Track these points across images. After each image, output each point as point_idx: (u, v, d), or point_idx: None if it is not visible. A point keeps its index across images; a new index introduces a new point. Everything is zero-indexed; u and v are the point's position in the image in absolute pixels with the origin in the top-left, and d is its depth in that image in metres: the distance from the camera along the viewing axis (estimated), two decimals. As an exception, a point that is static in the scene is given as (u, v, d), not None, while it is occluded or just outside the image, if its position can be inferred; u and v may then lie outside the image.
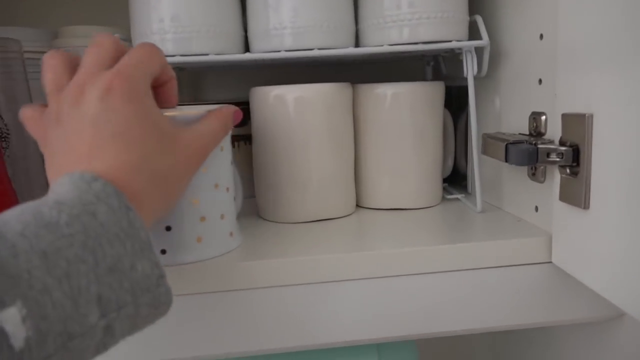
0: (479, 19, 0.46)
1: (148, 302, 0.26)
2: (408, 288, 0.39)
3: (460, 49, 0.46)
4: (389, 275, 0.39)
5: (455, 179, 0.58)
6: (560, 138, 0.36)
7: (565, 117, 0.35)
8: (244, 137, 0.57)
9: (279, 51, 0.45)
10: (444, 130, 0.52)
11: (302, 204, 0.47)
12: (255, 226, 0.47)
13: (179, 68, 0.59)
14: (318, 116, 0.46)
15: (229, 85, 0.70)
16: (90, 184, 0.26)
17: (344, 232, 0.44)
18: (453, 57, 0.51)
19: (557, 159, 0.35)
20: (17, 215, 0.24)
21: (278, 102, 0.45)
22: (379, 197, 0.51)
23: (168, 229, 0.36)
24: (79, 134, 0.29)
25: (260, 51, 0.46)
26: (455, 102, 0.56)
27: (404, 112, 0.48)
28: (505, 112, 0.47)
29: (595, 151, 0.32)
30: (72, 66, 0.32)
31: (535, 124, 0.41)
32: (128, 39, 0.47)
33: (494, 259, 0.39)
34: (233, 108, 0.37)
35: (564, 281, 0.39)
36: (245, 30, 0.48)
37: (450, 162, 0.55)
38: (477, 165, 0.47)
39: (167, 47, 0.44)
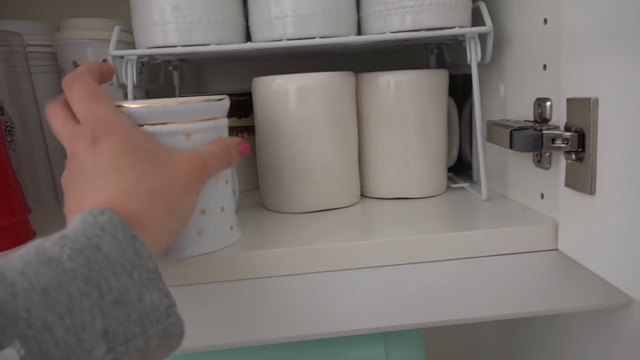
0: (482, 5, 0.45)
1: (158, 333, 0.26)
2: (413, 276, 0.39)
3: (463, 35, 0.45)
4: (394, 264, 0.39)
5: (460, 168, 0.58)
6: (566, 123, 0.35)
7: (571, 102, 0.34)
8: (247, 128, 0.57)
9: (280, 40, 0.44)
10: (449, 119, 0.52)
11: (306, 194, 0.47)
12: (260, 217, 0.47)
13: (182, 59, 0.59)
14: (321, 105, 0.45)
15: (231, 76, 0.69)
16: (96, 217, 0.26)
17: (348, 222, 0.44)
18: (456, 45, 0.50)
19: (563, 145, 0.35)
20: (20, 253, 0.24)
21: (280, 91, 0.45)
22: (383, 187, 0.50)
23: None
24: (81, 188, 0.30)
25: (262, 40, 0.45)
26: (460, 90, 0.56)
27: (407, 101, 0.48)
28: (509, 98, 0.46)
29: (600, 136, 0.32)
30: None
31: (540, 110, 0.40)
32: (129, 31, 0.47)
33: (500, 246, 0.39)
34: (238, 139, 0.38)
35: (570, 268, 0.39)
36: (247, 19, 0.47)
37: (454, 151, 0.55)
38: (482, 153, 0.46)
39: (169, 38, 0.44)
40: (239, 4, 0.46)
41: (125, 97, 0.46)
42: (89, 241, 0.25)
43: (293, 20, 0.44)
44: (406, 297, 0.39)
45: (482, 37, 0.45)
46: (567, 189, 0.36)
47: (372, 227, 0.43)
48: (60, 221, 0.50)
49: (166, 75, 0.60)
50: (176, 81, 0.61)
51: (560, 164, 0.37)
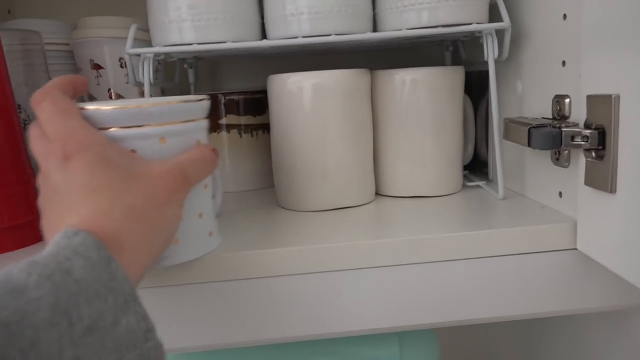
0: (499, 1, 0.45)
1: (136, 359, 0.25)
2: (429, 276, 0.38)
3: (480, 31, 0.45)
4: (409, 263, 0.38)
5: (476, 166, 0.57)
6: (585, 121, 0.35)
7: (591, 99, 0.34)
8: (261, 125, 0.57)
9: (296, 37, 0.44)
10: (464, 116, 0.51)
11: (320, 193, 0.46)
12: (275, 215, 0.47)
13: (197, 57, 0.59)
14: (336, 103, 0.45)
15: (246, 73, 0.70)
16: (70, 239, 0.25)
17: (363, 220, 0.44)
18: (473, 41, 0.50)
19: (582, 143, 0.34)
20: None
21: (295, 89, 0.45)
22: (398, 185, 0.50)
23: None
24: (55, 210, 0.29)
25: (277, 38, 0.45)
26: (475, 88, 0.55)
27: (423, 98, 0.47)
28: (527, 95, 0.46)
29: (622, 133, 0.31)
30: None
31: (558, 107, 0.40)
32: (146, 29, 0.47)
33: (517, 246, 0.38)
34: (212, 146, 0.36)
35: (589, 268, 0.39)
36: (262, 17, 0.47)
37: (470, 149, 0.55)
38: (499, 150, 0.46)
39: (185, 35, 0.44)
40: (254, 2, 0.46)
41: (142, 95, 0.46)
42: (59, 266, 0.24)
43: (309, 17, 0.43)
44: (421, 296, 0.39)
45: (499, 33, 0.45)
46: (586, 187, 0.35)
47: (387, 225, 0.43)
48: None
49: (181, 73, 0.60)
50: (191, 79, 0.61)
51: (580, 161, 0.36)
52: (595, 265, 0.36)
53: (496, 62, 0.45)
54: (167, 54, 0.48)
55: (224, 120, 0.56)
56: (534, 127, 0.38)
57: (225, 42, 0.44)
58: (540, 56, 0.43)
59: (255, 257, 0.37)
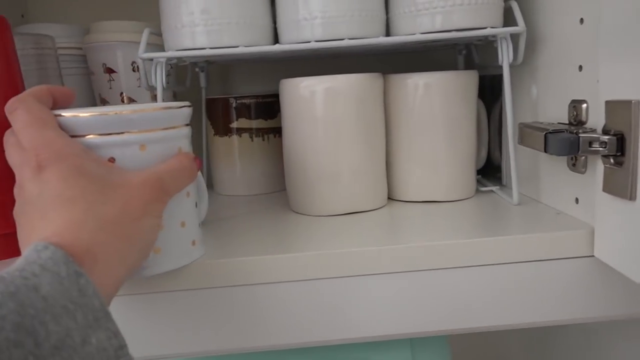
0: (514, 4, 0.44)
1: None
2: (442, 282, 0.38)
3: (494, 36, 0.44)
4: (422, 269, 0.38)
5: (489, 171, 0.57)
6: (604, 126, 0.34)
7: (609, 105, 0.33)
8: (273, 129, 0.57)
9: (309, 42, 0.44)
10: (477, 121, 0.51)
11: (333, 197, 0.46)
12: (287, 219, 0.47)
13: (208, 61, 0.59)
14: (349, 107, 0.45)
15: (258, 77, 0.69)
16: (39, 253, 0.24)
17: (375, 225, 0.43)
18: (486, 45, 0.49)
19: (600, 149, 0.34)
20: None
21: (308, 93, 0.45)
22: (410, 190, 0.50)
23: None
24: (29, 222, 0.29)
25: (290, 42, 0.45)
26: (488, 92, 0.55)
27: (436, 102, 0.47)
28: (542, 100, 0.45)
29: (642, 140, 0.31)
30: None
31: (575, 113, 0.39)
32: (158, 33, 0.47)
33: (533, 252, 0.38)
34: (193, 154, 0.35)
35: (606, 275, 0.38)
36: (275, 21, 0.47)
37: (483, 153, 0.54)
38: (513, 155, 0.45)
39: (197, 40, 0.44)
40: (267, 6, 0.46)
41: (154, 99, 0.46)
42: (25, 282, 0.23)
43: (322, 21, 0.43)
44: (435, 303, 0.38)
45: (514, 38, 0.44)
46: (604, 194, 0.35)
47: (399, 231, 0.43)
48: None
49: (193, 77, 0.60)
50: (203, 83, 0.61)
51: (597, 168, 0.35)
52: (613, 273, 0.35)
53: (511, 66, 0.44)
54: (179, 59, 0.48)
55: (235, 124, 0.56)
56: (550, 132, 0.37)
57: (238, 47, 0.44)
58: (556, 61, 0.43)
59: (266, 262, 0.37)
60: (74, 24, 0.59)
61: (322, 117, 0.45)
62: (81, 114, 0.31)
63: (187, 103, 0.35)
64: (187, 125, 0.36)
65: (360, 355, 0.47)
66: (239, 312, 0.37)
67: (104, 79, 0.54)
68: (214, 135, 0.58)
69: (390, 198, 0.51)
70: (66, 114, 0.31)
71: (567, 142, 0.36)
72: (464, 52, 0.59)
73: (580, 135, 0.35)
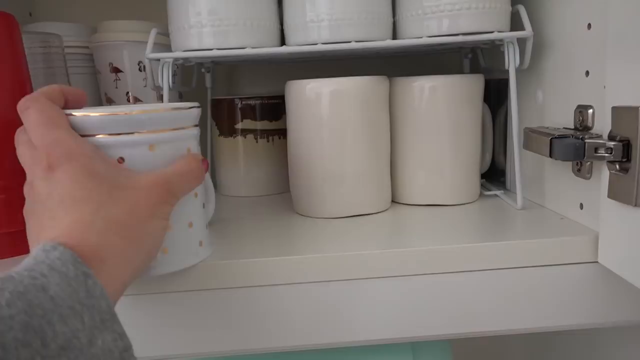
0: (521, 9, 0.44)
1: None
2: (445, 287, 0.38)
3: (501, 40, 0.44)
4: (425, 273, 0.38)
5: (493, 175, 0.57)
6: (610, 132, 0.34)
7: (616, 111, 0.33)
8: (278, 131, 0.57)
9: (315, 44, 0.44)
10: (483, 125, 0.51)
11: (337, 199, 0.46)
12: (290, 221, 0.47)
13: (215, 62, 0.59)
14: (354, 110, 0.45)
15: (263, 78, 0.70)
16: (48, 254, 0.25)
17: (379, 229, 0.43)
18: (492, 49, 0.49)
19: (606, 155, 0.34)
20: None
21: (313, 95, 0.45)
22: (415, 193, 0.50)
23: None
24: (38, 220, 0.29)
25: (297, 44, 0.45)
26: (494, 95, 0.55)
27: (441, 106, 0.47)
28: (548, 105, 0.45)
29: (648, 146, 0.31)
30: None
31: (581, 118, 0.39)
32: (166, 33, 0.48)
33: (537, 258, 0.38)
34: (200, 156, 0.35)
35: (610, 281, 0.38)
36: (282, 23, 0.47)
37: (488, 158, 0.54)
38: (518, 160, 0.45)
39: (205, 41, 0.44)
40: (274, 8, 0.46)
41: (160, 99, 0.47)
42: (33, 282, 0.23)
43: (329, 24, 0.43)
44: (437, 307, 0.38)
45: (521, 42, 0.44)
46: (609, 200, 0.35)
47: (403, 234, 0.43)
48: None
49: (199, 77, 0.60)
50: (208, 83, 0.61)
51: (602, 174, 0.35)
52: (617, 279, 0.35)
53: (517, 70, 0.44)
54: (185, 59, 0.48)
55: (240, 125, 0.56)
56: (556, 137, 0.37)
57: (244, 48, 0.44)
58: (562, 66, 0.43)
59: (268, 264, 0.37)
60: (81, 23, 0.59)
61: (328, 119, 0.45)
62: (91, 114, 0.31)
63: (196, 104, 0.35)
64: (195, 126, 0.36)
65: (361, 359, 0.47)
66: (240, 314, 0.37)
67: (110, 78, 0.55)
68: (218, 135, 0.58)
69: (394, 201, 0.51)
70: (77, 113, 0.31)
71: (573, 147, 0.36)
72: (470, 55, 0.59)
73: (586, 140, 0.35)
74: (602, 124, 0.35)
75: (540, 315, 0.39)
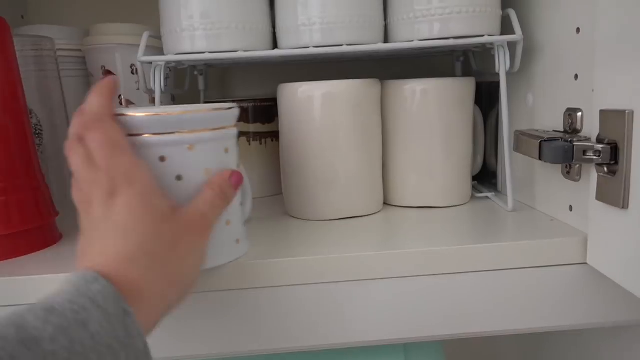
0: (512, 13, 0.45)
1: None
2: (436, 288, 0.38)
3: (492, 44, 0.45)
4: (416, 275, 0.38)
5: (485, 177, 0.57)
6: (598, 135, 0.34)
7: (604, 114, 0.34)
8: (270, 133, 0.57)
9: (307, 47, 0.44)
10: (474, 127, 0.51)
11: (329, 202, 0.46)
12: (282, 223, 0.47)
13: (207, 65, 0.59)
14: (346, 112, 0.45)
15: (256, 81, 0.70)
16: (89, 285, 0.25)
17: (371, 231, 0.44)
18: (484, 52, 0.50)
19: (594, 157, 0.34)
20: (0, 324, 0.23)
21: (306, 98, 0.45)
22: (406, 195, 0.50)
23: None
24: (89, 239, 0.30)
25: (289, 47, 0.46)
26: (485, 98, 0.55)
27: (433, 109, 0.47)
28: (538, 108, 0.46)
29: (635, 149, 0.31)
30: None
31: (570, 121, 0.40)
32: (158, 36, 0.48)
33: (526, 259, 0.38)
34: (228, 173, 0.34)
35: (599, 283, 0.38)
36: (274, 26, 0.47)
37: (479, 160, 0.54)
38: (509, 162, 0.46)
39: (197, 44, 0.44)
40: (266, 11, 0.46)
41: (153, 102, 0.47)
42: (75, 316, 0.24)
43: (320, 27, 0.44)
44: (428, 308, 0.38)
45: (511, 46, 0.45)
46: (598, 202, 0.35)
47: (395, 236, 0.43)
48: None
49: (191, 80, 0.60)
50: (201, 86, 0.61)
51: (591, 176, 0.36)
52: (606, 281, 0.36)
53: (507, 74, 0.45)
54: (178, 62, 0.48)
55: (233, 128, 0.56)
56: (545, 140, 0.38)
57: (237, 51, 0.44)
58: (552, 69, 0.43)
59: (260, 266, 0.37)
60: (73, 26, 0.59)
61: (320, 122, 0.45)
62: (137, 114, 0.32)
63: (235, 105, 0.36)
64: (234, 126, 0.37)
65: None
66: (229, 317, 0.38)
67: (102, 81, 0.55)
68: (211, 138, 0.58)
69: (386, 203, 0.51)
70: (127, 113, 0.32)
71: (562, 150, 0.36)
72: (461, 59, 0.60)
73: (575, 143, 0.35)
74: (591, 127, 0.36)
75: (531, 316, 0.39)
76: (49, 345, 0.22)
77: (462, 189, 0.50)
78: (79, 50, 0.57)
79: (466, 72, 0.60)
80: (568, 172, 0.41)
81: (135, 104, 0.56)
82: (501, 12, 0.45)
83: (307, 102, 0.45)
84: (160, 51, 0.47)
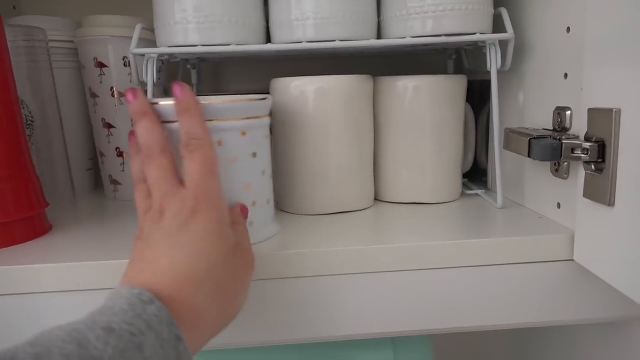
0: (504, 12, 0.45)
1: None
2: (425, 283, 0.39)
3: (484, 42, 0.45)
4: (405, 269, 0.38)
5: (475, 175, 0.57)
6: (586, 134, 0.35)
7: (592, 112, 0.34)
8: (263, 128, 0.57)
9: (300, 42, 0.44)
10: (465, 125, 0.52)
11: (320, 196, 0.47)
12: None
13: (200, 59, 0.59)
14: (338, 108, 0.45)
15: (250, 76, 0.70)
16: (145, 307, 0.26)
17: (361, 225, 0.44)
18: (476, 51, 0.50)
19: (582, 155, 0.35)
20: (62, 341, 0.23)
21: (298, 93, 0.45)
22: (397, 191, 0.50)
23: None
24: (154, 248, 0.30)
25: (282, 42, 0.46)
26: (477, 96, 0.55)
27: (425, 106, 0.48)
28: (528, 106, 0.46)
29: (622, 147, 0.32)
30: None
31: (559, 119, 0.40)
32: (151, 29, 0.48)
33: (515, 255, 0.39)
34: (239, 206, 0.37)
35: (586, 279, 0.39)
36: (267, 20, 0.47)
37: (470, 157, 0.55)
38: (499, 160, 0.46)
39: (190, 37, 0.44)
40: (260, 5, 0.46)
41: (145, 94, 0.46)
42: (132, 339, 0.24)
43: (314, 22, 0.44)
44: (417, 303, 0.39)
45: (503, 44, 0.45)
46: (585, 199, 0.35)
47: (385, 231, 0.43)
48: (76, 216, 0.50)
49: (184, 74, 0.60)
50: (194, 80, 0.61)
51: (579, 174, 0.36)
52: (592, 277, 0.36)
53: (499, 72, 0.45)
54: (171, 55, 0.48)
55: (225, 122, 0.56)
56: (534, 138, 0.38)
57: (230, 45, 0.44)
58: (543, 68, 0.43)
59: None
60: (66, 17, 0.59)
61: (312, 117, 0.45)
62: (214, 102, 0.35)
63: (268, 96, 0.40)
64: (269, 115, 0.41)
65: (341, 354, 0.47)
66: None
67: (95, 73, 0.54)
68: (204, 132, 0.58)
69: (377, 199, 0.52)
70: (202, 101, 0.34)
71: (550, 147, 0.36)
72: (454, 56, 0.60)
73: (563, 141, 0.36)
74: (580, 126, 0.36)
75: (518, 311, 0.40)
76: None
77: (452, 186, 0.51)
78: (72, 41, 0.57)
79: (458, 70, 0.60)
80: (557, 170, 0.41)
81: (128, 96, 0.56)
82: (493, 11, 0.46)
83: (300, 97, 0.45)
84: (153, 44, 0.47)
